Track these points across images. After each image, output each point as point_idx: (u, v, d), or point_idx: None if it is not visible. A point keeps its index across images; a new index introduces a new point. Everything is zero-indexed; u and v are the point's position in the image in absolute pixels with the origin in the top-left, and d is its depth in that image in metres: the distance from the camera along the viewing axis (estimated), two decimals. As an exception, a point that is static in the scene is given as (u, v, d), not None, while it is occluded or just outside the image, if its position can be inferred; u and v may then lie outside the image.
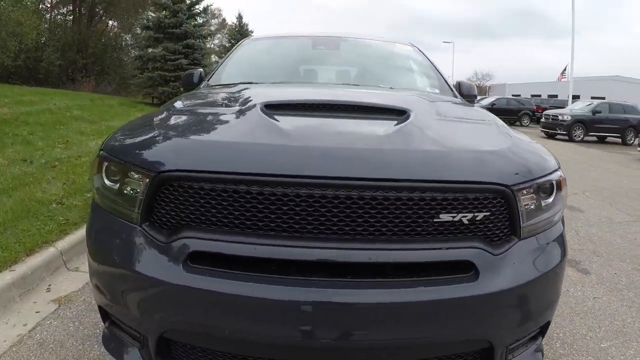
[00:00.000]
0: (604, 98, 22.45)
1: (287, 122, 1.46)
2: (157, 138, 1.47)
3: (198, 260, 1.25)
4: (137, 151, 1.43)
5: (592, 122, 16.92)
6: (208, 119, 1.72)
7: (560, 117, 17.13)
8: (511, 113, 24.76)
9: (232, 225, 1.26)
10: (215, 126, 1.59)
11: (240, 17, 25.38)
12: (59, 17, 22.13)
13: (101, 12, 22.74)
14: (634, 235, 4.41)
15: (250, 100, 1.75)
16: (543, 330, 1.56)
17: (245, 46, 3.36)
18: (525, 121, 24.94)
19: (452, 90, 2.81)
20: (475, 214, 1.28)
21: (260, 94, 1.93)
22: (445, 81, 2.93)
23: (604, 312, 2.69)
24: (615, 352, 2.26)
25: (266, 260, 1.23)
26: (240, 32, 23.33)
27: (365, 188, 1.22)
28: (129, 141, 1.54)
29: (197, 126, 1.62)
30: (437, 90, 2.75)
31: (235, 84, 2.49)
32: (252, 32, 23.36)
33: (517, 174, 1.36)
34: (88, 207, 3.57)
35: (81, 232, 3.15)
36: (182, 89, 3.07)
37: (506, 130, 1.78)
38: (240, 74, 2.81)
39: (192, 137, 1.47)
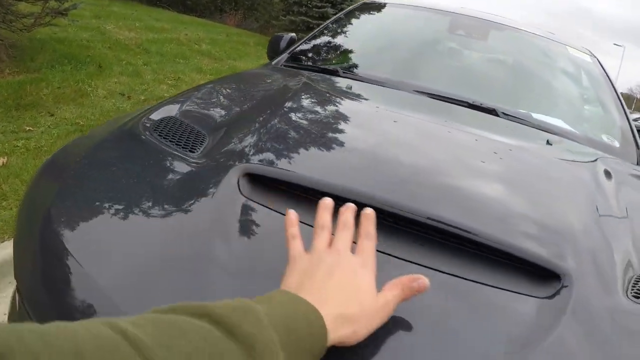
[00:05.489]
0: None
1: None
2: None
3: None
4: None
5: None
6: None
7: None
8: None
9: None
10: None
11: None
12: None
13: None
14: None
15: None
16: None
17: (351, 14, 2.69)
18: None
19: (635, 142, 2.04)
20: None
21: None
22: (629, 123, 2.10)
23: None
24: None
25: None
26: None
27: None
28: None
29: None
30: (617, 144, 2.05)
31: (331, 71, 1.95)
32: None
33: None
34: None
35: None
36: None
37: None
38: (334, 55, 2.33)
39: None
